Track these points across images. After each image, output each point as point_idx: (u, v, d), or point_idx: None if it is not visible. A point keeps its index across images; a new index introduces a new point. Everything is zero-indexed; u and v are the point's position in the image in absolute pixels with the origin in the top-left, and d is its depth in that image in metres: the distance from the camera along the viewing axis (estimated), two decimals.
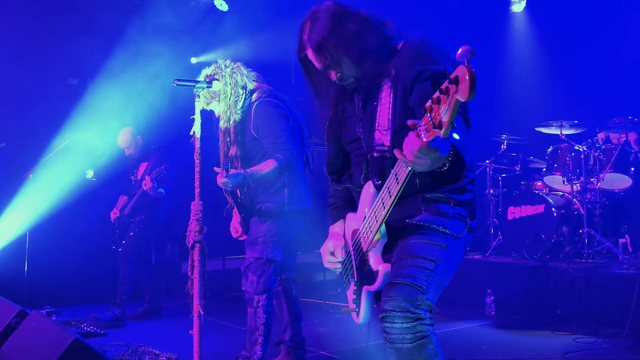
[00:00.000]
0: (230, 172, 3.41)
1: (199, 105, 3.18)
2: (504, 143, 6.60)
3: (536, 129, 6.51)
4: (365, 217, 2.10)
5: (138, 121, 5.92)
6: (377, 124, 2.09)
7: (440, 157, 1.66)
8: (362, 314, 2.18)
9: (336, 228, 2.37)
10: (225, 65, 3.70)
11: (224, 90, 3.64)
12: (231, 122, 3.68)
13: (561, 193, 6.05)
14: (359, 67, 2.12)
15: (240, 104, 3.68)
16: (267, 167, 3.51)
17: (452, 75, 1.46)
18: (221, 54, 7.59)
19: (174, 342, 4.57)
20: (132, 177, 5.82)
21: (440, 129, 1.52)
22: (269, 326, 3.63)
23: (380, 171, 2.06)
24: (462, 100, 1.44)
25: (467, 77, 1.41)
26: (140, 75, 6.59)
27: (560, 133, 6.14)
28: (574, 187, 5.90)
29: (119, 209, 5.78)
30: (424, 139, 1.59)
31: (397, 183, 1.86)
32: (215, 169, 3.41)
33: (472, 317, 5.39)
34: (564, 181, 5.96)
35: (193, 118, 3.17)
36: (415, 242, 2.03)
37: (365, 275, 2.15)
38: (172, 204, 5.80)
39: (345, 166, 2.36)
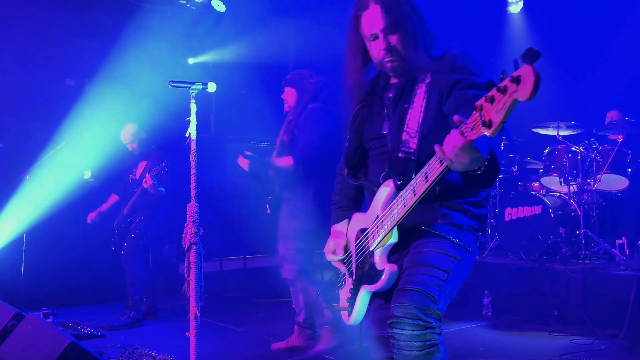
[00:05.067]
0: (252, 156, 4.15)
1: (194, 107, 3.18)
2: (501, 144, 6.59)
3: (533, 130, 6.51)
4: (377, 216, 2.08)
5: (135, 122, 5.91)
6: (406, 126, 2.08)
7: (480, 158, 1.67)
8: (355, 314, 2.17)
9: (339, 227, 2.37)
10: (310, 74, 4.41)
11: (300, 90, 4.36)
12: (296, 115, 4.32)
13: (558, 194, 6.05)
14: (408, 48, 2.09)
15: (304, 103, 4.35)
16: (283, 162, 4.23)
17: (515, 74, 1.44)
18: (219, 55, 7.59)
19: (171, 344, 4.56)
20: (130, 176, 5.80)
21: (489, 128, 1.51)
22: (310, 301, 4.26)
23: (402, 172, 2.05)
24: (521, 99, 1.43)
25: (531, 77, 1.40)
26: (138, 76, 6.58)
27: (557, 134, 6.15)
28: (571, 188, 5.90)
29: (103, 209, 5.77)
30: (468, 137, 1.58)
31: (426, 181, 1.84)
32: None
33: (469, 318, 5.39)
34: (561, 182, 5.96)
35: (189, 120, 3.17)
36: (429, 251, 2.02)
37: (366, 274, 2.14)
38: (170, 204, 5.79)
39: (361, 163, 2.33)
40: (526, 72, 1.41)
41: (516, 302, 5.43)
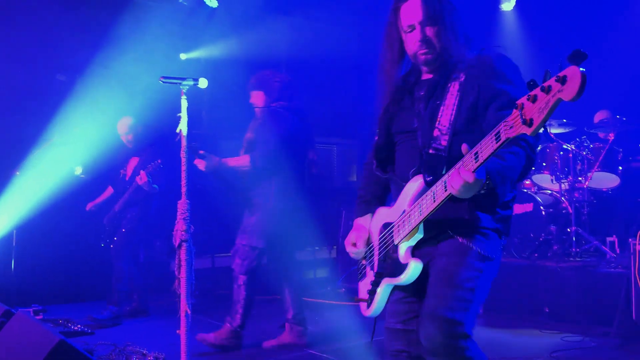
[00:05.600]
0: (207, 156, 4.17)
1: (185, 103, 3.16)
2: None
3: None
4: (404, 211, 2.09)
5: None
6: (437, 122, 2.10)
7: (482, 183, 1.78)
8: (375, 306, 2.18)
9: (361, 220, 2.39)
10: (275, 74, 4.51)
11: (268, 91, 4.43)
12: (261, 115, 4.45)
13: (549, 192, 6.07)
14: (443, 42, 2.13)
15: (269, 103, 4.44)
16: (239, 161, 4.32)
17: (561, 74, 1.45)
18: (211, 51, 7.56)
19: (162, 342, 4.55)
20: (121, 171, 5.77)
21: (530, 127, 1.53)
22: (248, 300, 4.35)
23: (433, 168, 2.06)
24: (565, 99, 1.44)
25: (577, 77, 1.41)
26: (129, 72, 6.54)
27: (549, 132, 6.16)
28: (562, 186, 5.92)
29: (99, 201, 5.77)
30: (508, 135, 1.61)
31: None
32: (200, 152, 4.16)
33: None
34: (552, 180, 5.98)
35: (180, 116, 3.15)
36: (455, 268, 2.04)
37: (388, 268, 2.14)
38: (163, 200, 5.76)
39: (389, 157, 2.35)
40: (573, 72, 1.43)
41: (507, 299, 5.44)
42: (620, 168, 5.81)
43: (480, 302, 2.07)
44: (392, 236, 2.14)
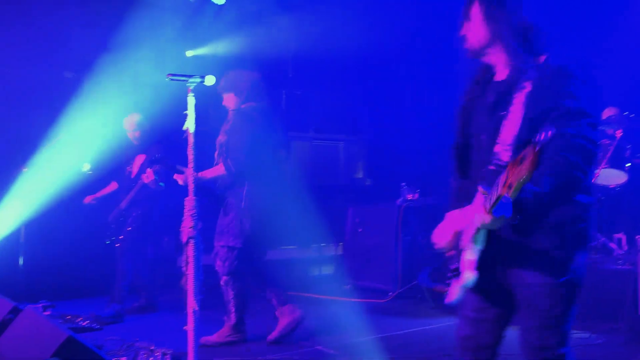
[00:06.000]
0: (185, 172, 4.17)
1: (192, 100, 3.17)
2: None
3: None
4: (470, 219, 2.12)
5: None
6: (499, 137, 2.07)
7: (505, 219, 1.82)
8: (451, 297, 2.22)
9: (451, 215, 2.36)
10: (243, 75, 4.56)
11: (238, 93, 4.48)
12: (231, 117, 4.50)
13: None
14: (476, 35, 2.18)
15: (239, 104, 4.51)
16: (216, 171, 4.42)
17: (521, 156, 1.60)
18: (217, 48, 7.57)
19: (170, 337, 4.56)
20: (127, 168, 5.79)
21: (510, 189, 1.65)
22: (239, 297, 4.45)
23: (493, 185, 2.03)
24: (522, 175, 1.57)
25: (529, 161, 1.54)
26: (136, 69, 6.56)
27: None
28: None
29: (99, 195, 5.81)
30: (499, 192, 1.71)
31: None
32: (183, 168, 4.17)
33: None
34: None
35: (187, 113, 3.16)
36: (536, 296, 2.07)
37: (459, 267, 2.18)
38: (171, 197, 5.77)
39: (468, 159, 2.31)
40: (528, 153, 1.57)
41: None
42: (629, 165, 5.78)
43: (570, 314, 2.11)
44: (462, 241, 2.16)
